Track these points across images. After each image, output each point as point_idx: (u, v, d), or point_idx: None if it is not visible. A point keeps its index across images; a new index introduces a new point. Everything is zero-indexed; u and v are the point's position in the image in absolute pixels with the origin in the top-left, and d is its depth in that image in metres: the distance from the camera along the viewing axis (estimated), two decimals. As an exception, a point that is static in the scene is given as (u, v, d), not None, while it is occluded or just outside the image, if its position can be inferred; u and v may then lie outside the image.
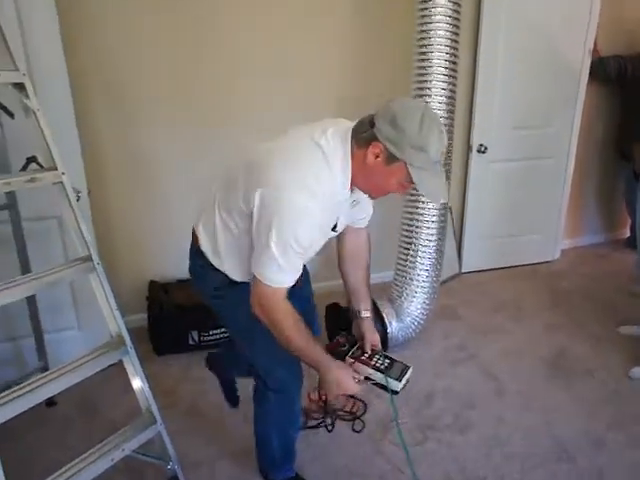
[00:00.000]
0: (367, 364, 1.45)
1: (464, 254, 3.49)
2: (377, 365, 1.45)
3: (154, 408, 1.57)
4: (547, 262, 3.71)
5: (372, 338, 1.53)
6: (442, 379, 2.36)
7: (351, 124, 1.27)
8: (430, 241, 2.42)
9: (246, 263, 1.32)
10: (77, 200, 1.57)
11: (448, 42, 2.23)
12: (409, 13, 2.41)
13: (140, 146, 2.59)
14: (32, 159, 1.62)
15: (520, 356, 2.55)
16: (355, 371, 1.41)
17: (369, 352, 1.50)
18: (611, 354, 2.54)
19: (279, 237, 1.18)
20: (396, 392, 1.42)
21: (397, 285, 2.54)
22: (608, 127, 3.73)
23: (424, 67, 2.26)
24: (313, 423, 2.04)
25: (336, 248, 1.58)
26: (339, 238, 1.54)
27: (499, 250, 3.56)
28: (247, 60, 2.63)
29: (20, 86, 1.39)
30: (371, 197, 1.37)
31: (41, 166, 1.52)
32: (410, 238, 2.44)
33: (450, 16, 2.21)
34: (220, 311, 1.53)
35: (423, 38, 2.23)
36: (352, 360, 1.46)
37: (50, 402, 2.09)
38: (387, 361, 1.47)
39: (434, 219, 2.40)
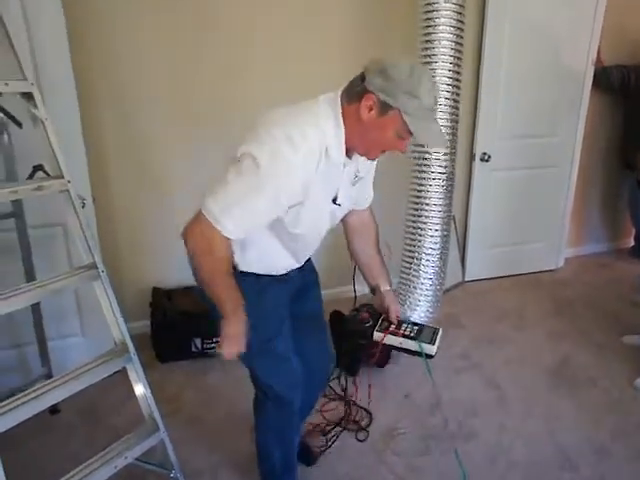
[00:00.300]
0: (396, 334, 1.42)
1: (467, 262, 3.49)
2: (407, 333, 1.42)
3: (157, 416, 1.58)
4: (550, 271, 3.70)
5: (396, 309, 1.52)
6: (446, 388, 2.35)
7: (341, 89, 1.25)
8: (434, 249, 2.42)
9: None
10: (82, 207, 1.59)
11: (452, 52, 2.24)
12: (411, 15, 2.42)
13: (144, 151, 2.61)
14: (39, 167, 1.63)
15: (523, 364, 2.54)
16: (385, 344, 1.39)
17: (395, 322, 1.49)
18: (614, 363, 2.53)
19: (248, 163, 1.13)
20: (431, 356, 1.39)
21: (401, 294, 2.54)
22: (612, 136, 3.73)
23: (427, 76, 2.28)
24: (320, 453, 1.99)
25: (343, 232, 1.58)
26: (343, 222, 1.53)
27: (502, 258, 3.56)
28: (248, 60, 2.64)
29: (28, 95, 1.40)
30: (369, 158, 1.30)
31: (47, 174, 1.53)
32: (414, 247, 2.45)
33: (454, 26, 2.21)
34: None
35: (427, 48, 2.25)
36: (381, 334, 1.43)
37: (53, 410, 2.09)
38: (416, 327, 1.45)
39: (437, 227, 2.40)
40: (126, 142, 2.57)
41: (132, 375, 1.55)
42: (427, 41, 2.25)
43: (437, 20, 2.21)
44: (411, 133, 1.17)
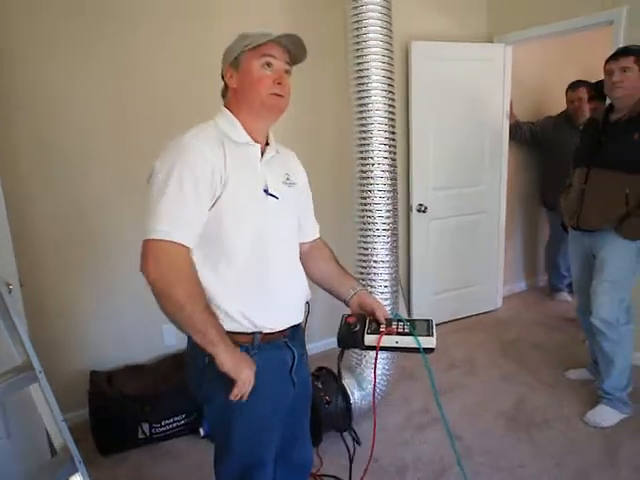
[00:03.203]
0: (391, 333, 1.30)
1: (413, 311, 3.53)
2: (401, 330, 1.31)
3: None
4: (491, 311, 3.84)
5: (381, 307, 1.40)
6: (410, 447, 2.30)
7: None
8: (385, 306, 2.42)
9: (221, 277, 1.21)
10: (9, 293, 1.43)
11: (386, 114, 2.32)
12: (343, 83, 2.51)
13: (74, 226, 2.45)
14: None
15: (481, 412, 2.55)
16: (381, 347, 1.29)
17: (384, 322, 1.35)
18: (565, 401, 2.61)
19: (163, 174, 1.15)
20: (432, 350, 1.29)
21: (355, 353, 2.49)
22: (532, 181, 4.06)
23: (365, 138, 2.35)
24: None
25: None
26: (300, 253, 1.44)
27: (446, 304, 3.65)
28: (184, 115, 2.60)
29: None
30: (268, 112, 1.28)
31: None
32: (365, 304, 2.43)
33: (386, 90, 2.32)
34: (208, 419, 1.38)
35: (362, 111, 2.33)
36: (375, 336, 1.30)
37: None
38: (407, 323, 1.33)
39: (387, 284, 2.41)
40: (54, 217, 2.41)
41: (76, 484, 1.37)
42: (362, 104, 2.34)
43: (370, 85, 2.31)
44: (264, 54, 1.23)
